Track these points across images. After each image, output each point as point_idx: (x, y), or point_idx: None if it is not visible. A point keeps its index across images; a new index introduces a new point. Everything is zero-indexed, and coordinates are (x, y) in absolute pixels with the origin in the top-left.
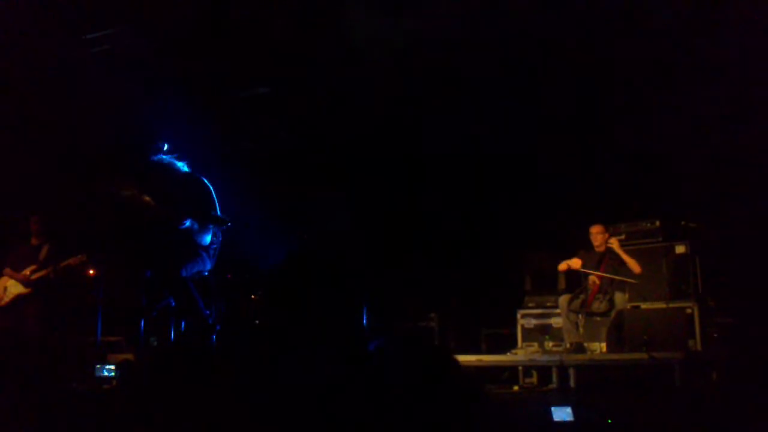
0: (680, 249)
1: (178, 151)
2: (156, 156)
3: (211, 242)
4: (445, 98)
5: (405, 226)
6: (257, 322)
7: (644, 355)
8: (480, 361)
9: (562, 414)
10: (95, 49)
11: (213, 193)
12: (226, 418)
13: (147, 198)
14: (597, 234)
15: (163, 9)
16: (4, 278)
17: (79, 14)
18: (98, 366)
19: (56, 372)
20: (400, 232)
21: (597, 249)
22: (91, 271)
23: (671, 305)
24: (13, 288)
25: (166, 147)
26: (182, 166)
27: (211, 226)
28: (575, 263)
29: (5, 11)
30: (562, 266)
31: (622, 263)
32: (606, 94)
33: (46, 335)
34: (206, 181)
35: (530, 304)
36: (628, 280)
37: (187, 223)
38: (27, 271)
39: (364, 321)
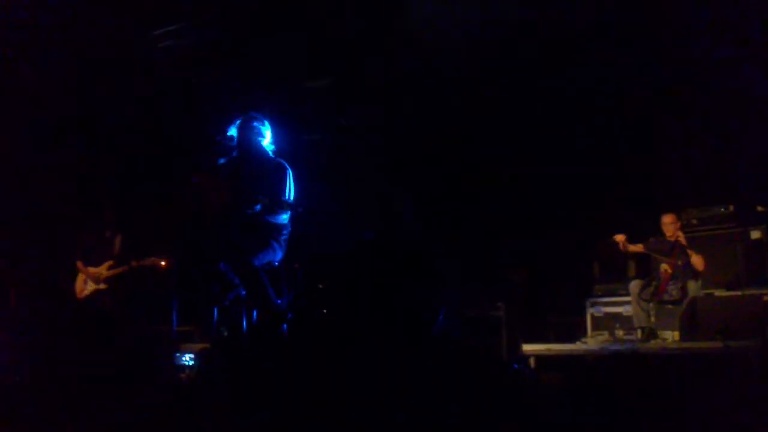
0: (756, 234)
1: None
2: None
3: (282, 232)
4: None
5: (472, 215)
6: (324, 311)
7: (719, 344)
8: (549, 350)
9: None
10: (162, 45)
11: (289, 176)
12: (299, 406)
13: (221, 185)
14: (669, 224)
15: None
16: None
17: (144, 12)
18: (177, 354)
19: (135, 361)
20: (467, 221)
21: (668, 238)
22: (163, 263)
23: (746, 292)
24: (93, 281)
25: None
26: (269, 151)
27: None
28: (636, 248)
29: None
30: (619, 237)
31: None
32: (678, 79)
33: (125, 326)
34: (285, 163)
35: (599, 293)
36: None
37: (258, 208)
38: (103, 268)
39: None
